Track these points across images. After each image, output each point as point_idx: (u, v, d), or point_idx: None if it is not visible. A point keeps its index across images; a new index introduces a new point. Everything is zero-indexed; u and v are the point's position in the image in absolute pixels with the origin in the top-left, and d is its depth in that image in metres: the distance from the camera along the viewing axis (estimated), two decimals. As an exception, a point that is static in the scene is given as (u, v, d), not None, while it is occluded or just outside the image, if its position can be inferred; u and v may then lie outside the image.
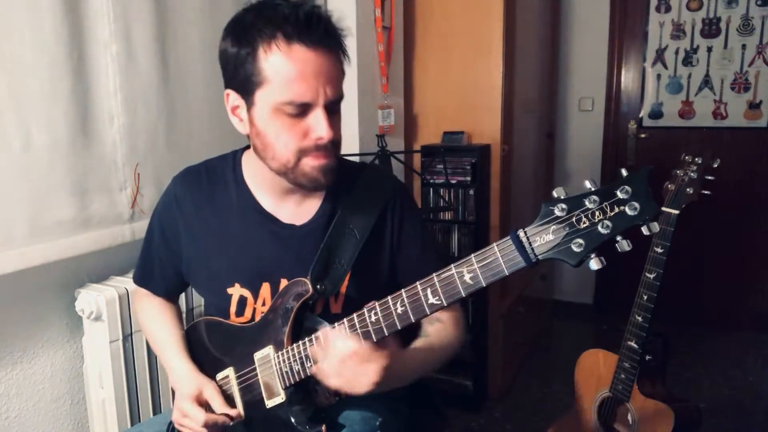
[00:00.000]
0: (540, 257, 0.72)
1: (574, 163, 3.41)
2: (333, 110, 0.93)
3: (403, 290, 0.82)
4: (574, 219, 0.70)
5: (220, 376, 1.06)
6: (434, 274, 0.79)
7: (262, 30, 0.87)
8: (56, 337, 1.40)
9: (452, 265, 0.78)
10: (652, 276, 1.42)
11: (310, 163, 0.92)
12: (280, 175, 0.95)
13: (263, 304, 1.05)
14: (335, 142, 0.93)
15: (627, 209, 0.68)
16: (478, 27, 2.31)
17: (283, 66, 0.86)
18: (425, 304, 0.80)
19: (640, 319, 1.44)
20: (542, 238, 0.72)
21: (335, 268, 0.99)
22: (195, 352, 1.12)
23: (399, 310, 0.83)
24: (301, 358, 0.94)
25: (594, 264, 0.71)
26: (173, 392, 1.12)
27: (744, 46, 2.98)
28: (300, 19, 0.86)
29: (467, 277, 0.77)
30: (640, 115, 3.25)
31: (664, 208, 1.41)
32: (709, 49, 3.04)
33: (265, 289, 1.04)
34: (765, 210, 3.06)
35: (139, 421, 1.41)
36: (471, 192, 2.25)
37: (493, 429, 2.33)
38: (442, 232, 2.33)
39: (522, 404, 2.50)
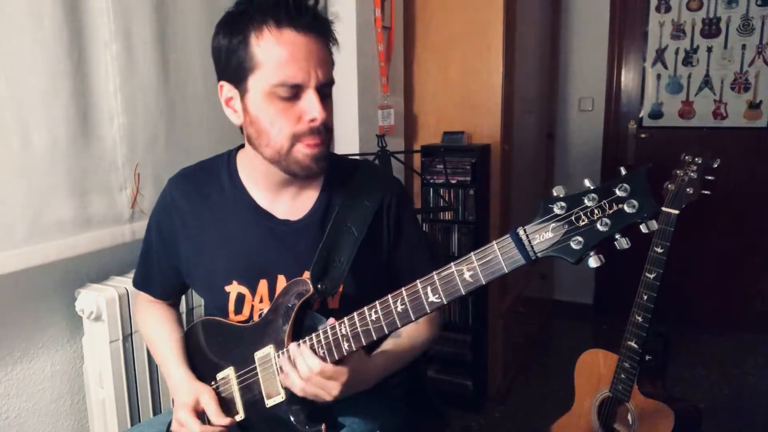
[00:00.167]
0: (539, 255, 0.73)
1: (574, 162, 3.41)
2: (325, 94, 0.95)
3: (403, 288, 0.83)
4: (573, 217, 0.71)
5: (220, 376, 1.06)
6: (434, 273, 0.80)
7: (253, 17, 0.90)
8: (56, 337, 1.40)
9: (452, 263, 0.78)
10: (652, 276, 1.42)
11: (303, 151, 0.94)
12: (273, 163, 0.97)
13: (261, 301, 1.05)
14: (328, 128, 0.95)
15: (626, 207, 0.68)
16: (478, 27, 2.31)
17: (274, 49, 0.89)
18: (425, 302, 0.80)
19: (640, 319, 1.44)
20: (542, 236, 0.72)
21: (335, 266, 0.99)
22: (195, 353, 1.12)
23: (399, 309, 0.83)
24: None
25: (593, 261, 0.71)
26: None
27: (744, 46, 2.98)
28: (290, 6, 0.90)
29: (467, 275, 0.77)
30: (640, 115, 3.25)
31: (664, 208, 1.40)
32: (709, 49, 3.05)
33: (263, 285, 1.05)
34: (765, 210, 3.06)
35: (139, 421, 1.41)
36: (471, 192, 2.25)
37: (493, 429, 2.33)
38: (442, 232, 2.33)
39: (522, 404, 2.50)
